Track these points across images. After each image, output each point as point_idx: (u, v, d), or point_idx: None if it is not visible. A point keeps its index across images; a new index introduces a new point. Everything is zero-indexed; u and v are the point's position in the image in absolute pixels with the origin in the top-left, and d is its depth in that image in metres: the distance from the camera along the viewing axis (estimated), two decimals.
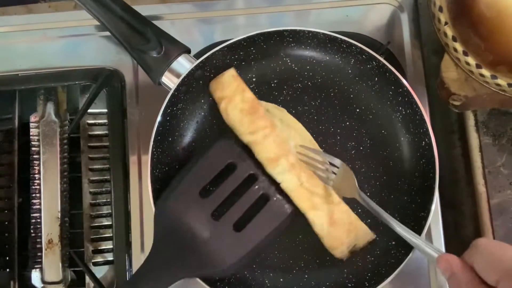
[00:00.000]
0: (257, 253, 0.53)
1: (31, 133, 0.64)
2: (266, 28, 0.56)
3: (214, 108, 0.59)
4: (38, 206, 0.62)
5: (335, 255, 0.53)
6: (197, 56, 0.56)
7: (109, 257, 0.63)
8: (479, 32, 0.51)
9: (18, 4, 0.68)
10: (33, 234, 0.62)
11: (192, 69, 0.55)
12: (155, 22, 0.57)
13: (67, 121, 0.65)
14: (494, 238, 0.58)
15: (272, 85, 0.59)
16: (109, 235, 0.63)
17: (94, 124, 0.66)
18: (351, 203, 0.53)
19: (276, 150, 0.52)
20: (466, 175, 0.64)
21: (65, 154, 0.64)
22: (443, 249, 0.58)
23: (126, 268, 0.60)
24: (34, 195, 0.62)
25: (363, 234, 0.53)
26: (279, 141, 0.53)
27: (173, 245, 0.49)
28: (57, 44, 0.67)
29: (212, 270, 0.49)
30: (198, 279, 0.51)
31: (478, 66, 0.53)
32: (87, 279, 0.61)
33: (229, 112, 0.54)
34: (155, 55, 0.55)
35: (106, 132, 0.65)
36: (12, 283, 0.61)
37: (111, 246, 0.62)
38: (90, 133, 0.66)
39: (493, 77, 0.52)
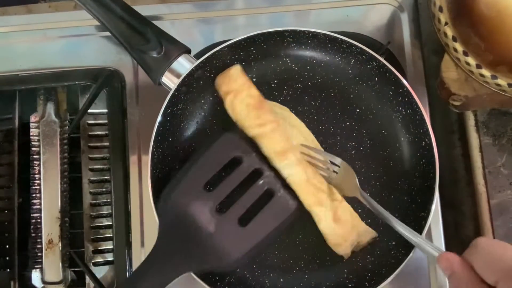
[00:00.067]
0: (262, 248, 0.52)
1: (31, 133, 0.64)
2: (266, 28, 0.56)
3: (214, 109, 0.59)
4: (38, 206, 0.62)
5: (338, 252, 0.52)
6: (197, 56, 0.56)
7: (109, 257, 0.63)
8: (479, 32, 0.51)
9: (18, 4, 0.68)
10: (33, 234, 0.62)
11: (192, 69, 0.55)
12: (155, 22, 0.57)
13: (67, 121, 0.65)
14: (494, 238, 0.58)
15: (272, 85, 0.59)
16: (109, 235, 0.63)
17: (94, 124, 0.66)
18: (351, 203, 0.53)
19: (284, 144, 0.52)
20: (466, 175, 0.64)
21: (65, 154, 0.64)
22: (443, 249, 0.58)
23: (126, 268, 0.60)
24: (34, 195, 0.62)
25: (365, 232, 0.53)
26: (285, 136, 0.53)
27: (177, 238, 0.49)
28: (57, 44, 0.67)
29: (217, 264, 0.49)
30: (198, 279, 0.51)
31: (478, 66, 0.53)
32: (87, 279, 0.61)
33: (235, 106, 0.53)
34: (155, 55, 0.55)
35: (106, 132, 0.65)
36: (12, 283, 0.61)
37: (111, 246, 0.62)
38: (90, 133, 0.66)
39: (493, 77, 0.52)
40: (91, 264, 0.62)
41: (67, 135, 0.65)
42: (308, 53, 0.59)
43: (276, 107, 0.57)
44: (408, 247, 0.51)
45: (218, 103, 0.59)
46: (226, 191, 0.50)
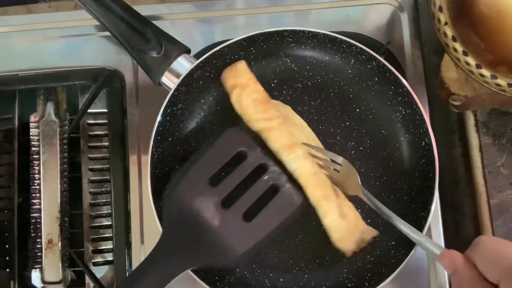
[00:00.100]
0: (266, 244, 0.52)
1: (31, 133, 0.64)
2: (266, 28, 0.56)
3: (214, 109, 0.59)
4: (38, 206, 0.62)
5: (342, 248, 0.52)
6: (197, 56, 0.56)
7: (109, 257, 0.63)
8: (479, 32, 0.51)
9: (18, 4, 0.68)
10: (33, 234, 0.62)
11: (192, 69, 0.55)
12: (155, 22, 0.57)
13: (67, 121, 0.65)
14: None
15: (272, 85, 0.59)
16: (109, 235, 0.63)
17: (94, 124, 0.66)
18: (351, 202, 0.53)
19: (291, 138, 0.52)
20: (466, 175, 0.64)
21: (65, 154, 0.64)
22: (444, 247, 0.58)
23: (126, 268, 0.60)
24: (34, 195, 0.62)
25: (366, 230, 0.53)
26: (291, 132, 0.53)
27: (182, 233, 0.48)
28: (57, 44, 0.67)
29: (222, 259, 0.49)
30: (198, 279, 0.51)
31: (478, 66, 0.53)
32: (87, 279, 0.61)
33: (242, 99, 0.53)
34: (155, 55, 0.55)
35: (106, 132, 0.65)
36: (12, 283, 0.61)
37: (111, 246, 0.62)
38: (90, 133, 0.66)
39: (493, 77, 0.52)
40: (91, 264, 0.62)
41: (67, 135, 0.65)
42: (308, 53, 0.59)
43: (279, 106, 0.57)
44: (408, 247, 0.51)
45: (218, 103, 0.59)
46: (231, 186, 0.49)
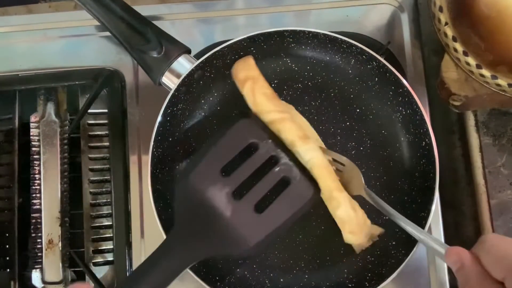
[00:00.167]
0: (277, 235, 0.52)
1: (31, 133, 0.64)
2: (266, 28, 0.56)
3: (214, 109, 0.59)
4: (38, 206, 0.62)
5: (354, 242, 0.52)
6: (198, 56, 0.56)
7: (109, 257, 0.63)
8: (479, 32, 0.51)
9: (18, 4, 0.68)
10: (33, 234, 0.62)
11: (192, 70, 0.55)
12: (155, 22, 0.57)
13: (67, 121, 0.65)
14: None
15: (272, 85, 0.59)
16: (109, 235, 0.63)
17: (94, 124, 0.66)
18: None
19: (303, 130, 0.52)
20: (466, 175, 0.64)
21: (65, 154, 0.64)
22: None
23: (126, 268, 0.60)
24: (34, 195, 0.62)
25: (373, 227, 0.53)
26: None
27: (196, 221, 0.48)
28: (57, 44, 0.67)
29: (234, 249, 0.48)
30: (198, 279, 0.51)
31: (478, 66, 0.53)
32: (87, 279, 0.61)
33: (256, 92, 0.53)
34: (155, 55, 0.55)
35: (106, 132, 0.65)
36: (12, 283, 0.61)
37: (111, 246, 0.62)
38: (90, 133, 0.66)
39: (493, 77, 0.52)
40: (91, 264, 0.62)
41: (67, 135, 0.65)
42: (308, 53, 0.59)
43: (284, 104, 0.57)
44: (408, 247, 0.51)
45: (219, 103, 0.59)
46: (243, 177, 0.49)
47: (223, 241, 0.48)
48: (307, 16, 0.67)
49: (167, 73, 0.55)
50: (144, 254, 0.60)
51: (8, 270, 0.61)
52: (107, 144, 0.65)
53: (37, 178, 0.63)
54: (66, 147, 0.64)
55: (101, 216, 0.64)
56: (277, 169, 0.50)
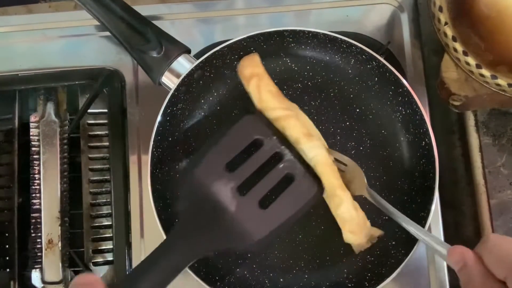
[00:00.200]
0: (281, 232, 0.52)
1: (31, 133, 0.64)
2: (266, 28, 0.56)
3: (214, 109, 0.59)
4: (38, 206, 0.62)
5: (354, 242, 0.52)
6: (197, 56, 0.56)
7: (109, 257, 0.63)
8: (479, 32, 0.51)
9: (18, 4, 0.68)
10: (33, 234, 0.62)
11: (192, 69, 0.55)
12: (155, 22, 0.57)
13: (67, 121, 0.65)
14: None
15: None
16: (109, 235, 0.63)
17: (94, 124, 0.66)
18: None
19: (308, 127, 0.52)
20: (466, 175, 0.64)
21: (65, 154, 0.64)
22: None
23: (126, 268, 0.60)
24: (34, 195, 0.62)
25: (372, 229, 0.53)
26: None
27: (202, 214, 0.48)
28: (57, 44, 0.67)
29: (239, 244, 0.48)
30: (198, 279, 0.51)
31: (478, 66, 0.53)
32: None
33: (261, 87, 0.53)
34: (155, 55, 0.55)
35: (106, 132, 0.65)
36: (12, 283, 0.61)
37: (111, 246, 0.62)
38: (90, 133, 0.66)
39: (493, 77, 0.52)
40: (91, 264, 0.62)
41: (67, 135, 0.65)
42: (308, 53, 0.59)
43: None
44: (408, 246, 0.51)
45: (218, 103, 0.59)
46: (248, 172, 0.49)
47: (228, 235, 0.48)
48: (307, 16, 0.67)
49: (167, 73, 0.55)
50: (144, 254, 0.60)
51: (8, 270, 0.61)
52: (107, 144, 0.65)
53: (37, 178, 0.63)
54: (66, 147, 0.64)
55: (101, 216, 0.64)
56: (281, 165, 0.50)
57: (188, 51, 0.56)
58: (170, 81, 0.55)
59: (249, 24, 0.66)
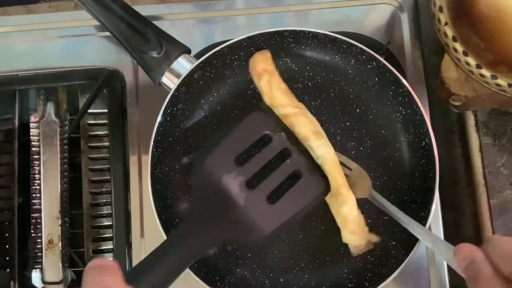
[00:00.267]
0: (288, 227, 0.52)
1: (31, 133, 0.64)
2: (266, 28, 0.56)
3: (214, 109, 0.59)
4: (38, 206, 0.62)
5: (353, 243, 0.52)
6: (198, 56, 0.56)
7: (110, 257, 0.62)
8: (479, 32, 0.51)
9: (18, 4, 0.68)
10: (33, 234, 0.62)
11: (192, 70, 0.55)
12: (155, 22, 0.57)
13: (67, 121, 0.65)
14: None
15: None
16: (109, 235, 0.63)
17: (94, 124, 0.66)
18: None
19: (317, 125, 0.53)
20: (466, 175, 0.64)
21: (65, 154, 0.64)
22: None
23: (127, 268, 0.60)
24: (34, 195, 0.62)
25: (370, 234, 0.53)
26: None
27: (212, 206, 0.49)
28: (57, 44, 0.67)
29: (248, 236, 0.49)
30: (198, 279, 0.51)
31: (478, 66, 0.53)
32: None
33: (272, 84, 0.54)
34: (155, 55, 0.55)
35: (106, 132, 0.65)
36: (12, 283, 0.61)
37: (111, 246, 0.62)
38: (90, 133, 0.66)
39: (493, 77, 0.52)
40: None
41: (67, 135, 0.65)
42: (308, 53, 0.59)
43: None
44: (408, 246, 0.51)
45: (219, 103, 0.59)
46: (256, 167, 0.50)
47: (237, 227, 0.48)
48: (307, 16, 0.67)
49: (167, 73, 0.55)
50: (144, 254, 0.60)
51: (8, 270, 0.61)
52: (107, 144, 0.65)
53: (37, 178, 0.63)
54: (66, 147, 0.64)
55: (101, 216, 0.64)
56: (289, 162, 0.51)
57: (188, 51, 0.56)
58: (170, 81, 0.55)
59: (249, 24, 0.66)
